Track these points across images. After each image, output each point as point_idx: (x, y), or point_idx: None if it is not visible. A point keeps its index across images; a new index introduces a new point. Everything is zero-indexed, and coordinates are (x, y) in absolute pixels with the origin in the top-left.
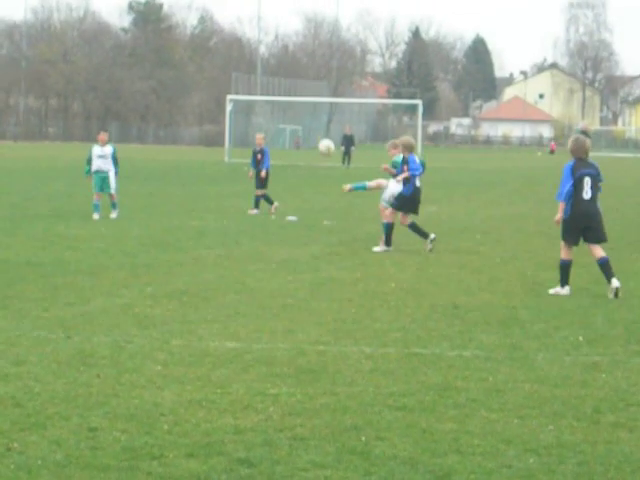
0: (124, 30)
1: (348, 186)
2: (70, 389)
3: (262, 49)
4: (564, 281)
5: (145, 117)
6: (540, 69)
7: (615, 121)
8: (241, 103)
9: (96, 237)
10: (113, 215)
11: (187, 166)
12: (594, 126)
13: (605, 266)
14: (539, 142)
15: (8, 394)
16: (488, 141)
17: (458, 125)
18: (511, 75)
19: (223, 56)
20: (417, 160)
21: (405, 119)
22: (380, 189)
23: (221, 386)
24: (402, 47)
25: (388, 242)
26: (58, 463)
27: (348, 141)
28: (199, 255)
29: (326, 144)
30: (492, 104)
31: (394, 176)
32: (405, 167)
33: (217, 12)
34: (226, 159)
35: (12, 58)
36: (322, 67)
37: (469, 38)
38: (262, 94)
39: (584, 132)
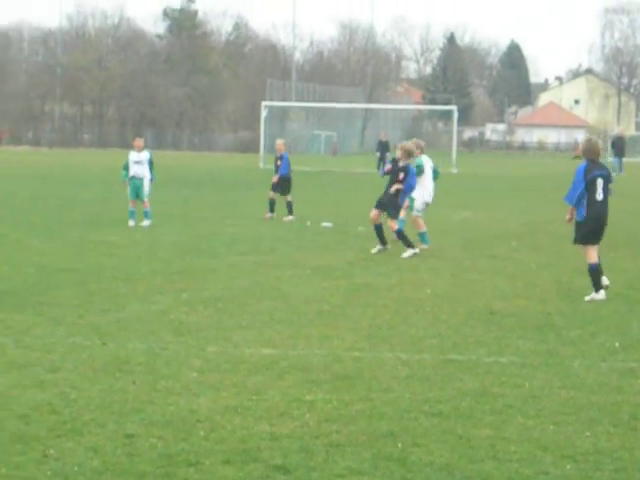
0: (159, 37)
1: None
2: (106, 396)
3: (297, 55)
4: (597, 286)
5: (180, 124)
6: (575, 75)
7: None
8: (276, 109)
9: (131, 244)
10: (145, 223)
11: (222, 172)
12: (630, 132)
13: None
14: (574, 148)
15: (44, 401)
16: (523, 147)
17: (493, 131)
18: (546, 81)
19: (258, 62)
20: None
21: (440, 125)
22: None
23: (257, 393)
24: (437, 53)
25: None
26: (95, 470)
27: (383, 147)
28: (234, 261)
29: None
30: (527, 110)
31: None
32: (401, 177)
33: (252, 18)
34: (261, 165)
35: (47, 65)
36: (357, 73)
37: (504, 44)
38: (297, 100)
39: (620, 137)
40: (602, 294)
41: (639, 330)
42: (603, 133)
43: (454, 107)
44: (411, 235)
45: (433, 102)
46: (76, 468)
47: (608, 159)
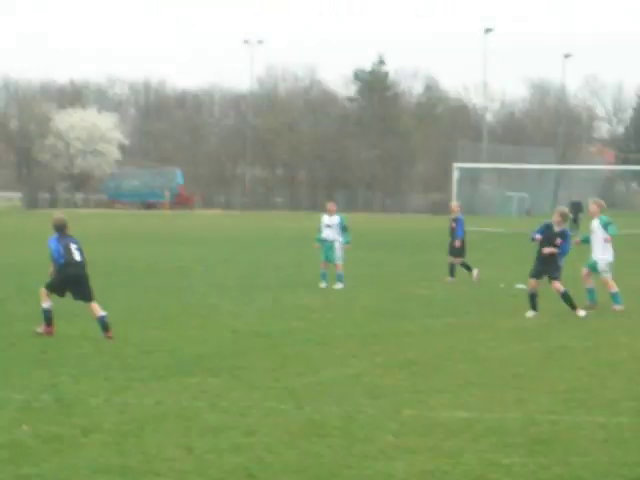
0: (350, 99)
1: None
2: (302, 460)
3: (488, 116)
4: None
5: (371, 186)
6: None
7: None
8: (467, 171)
9: (324, 307)
10: (338, 286)
11: (414, 234)
12: None
13: None
14: None
15: (241, 465)
16: None
17: None
18: None
19: (449, 124)
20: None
21: (634, 186)
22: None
23: (453, 456)
24: (630, 113)
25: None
26: None
27: (576, 208)
28: (428, 324)
29: None
30: None
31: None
32: (558, 242)
33: (442, 79)
34: None
35: (238, 128)
36: (548, 133)
37: None
38: (488, 161)
39: None
40: None
41: None
42: None
43: None
44: (603, 296)
45: (626, 162)
46: None
47: None
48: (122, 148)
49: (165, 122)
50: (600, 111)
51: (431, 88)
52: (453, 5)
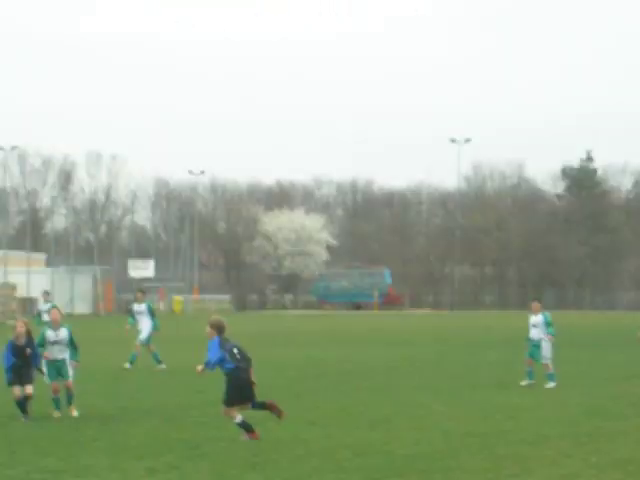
0: (558, 196)
1: None
2: None
3: None
4: None
5: (581, 282)
6: None
7: None
8: None
9: (536, 406)
10: (549, 385)
11: (625, 331)
12: None
13: None
14: None
15: None
16: None
17: None
18: None
19: None
20: None
21: None
22: None
23: None
24: None
25: None
26: None
27: None
28: None
29: None
30: None
31: None
32: None
33: None
34: None
35: (446, 227)
36: None
37: None
38: None
39: None
40: None
41: None
42: None
43: None
44: None
45: None
46: None
47: None
48: (330, 249)
49: (372, 222)
50: None
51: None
52: None
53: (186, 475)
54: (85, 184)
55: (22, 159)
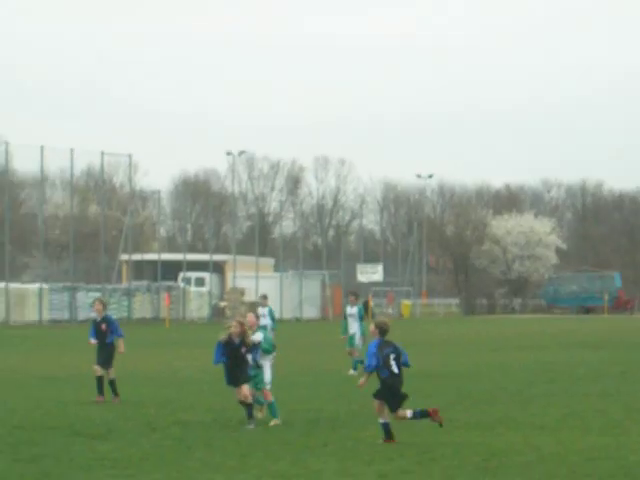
0: None
1: None
2: None
3: None
4: None
5: None
6: None
7: None
8: None
9: None
10: None
11: None
12: None
13: None
14: None
15: None
16: None
17: None
18: None
19: None
20: None
21: None
22: None
23: None
24: None
25: None
26: None
27: None
28: None
29: None
30: None
31: None
32: None
33: None
34: None
35: None
36: None
37: None
38: None
39: None
40: None
41: None
42: None
43: None
44: None
45: None
46: None
47: None
48: (559, 252)
49: (603, 225)
50: None
51: None
52: None
53: None
54: (313, 188)
55: (250, 164)
